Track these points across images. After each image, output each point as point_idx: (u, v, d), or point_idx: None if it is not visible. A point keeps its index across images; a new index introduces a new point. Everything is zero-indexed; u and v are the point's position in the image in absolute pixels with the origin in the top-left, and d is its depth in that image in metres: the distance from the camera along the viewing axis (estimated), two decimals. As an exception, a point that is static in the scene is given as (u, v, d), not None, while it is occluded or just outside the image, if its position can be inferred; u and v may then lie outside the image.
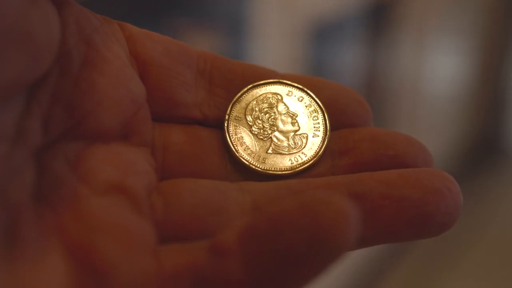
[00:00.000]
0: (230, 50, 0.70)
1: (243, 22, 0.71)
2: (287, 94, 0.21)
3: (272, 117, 0.21)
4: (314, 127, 0.21)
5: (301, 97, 0.21)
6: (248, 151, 0.20)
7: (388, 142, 0.19)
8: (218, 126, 0.20)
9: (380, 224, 0.17)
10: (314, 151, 0.20)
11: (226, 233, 0.15)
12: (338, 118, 0.20)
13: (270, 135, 0.20)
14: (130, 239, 0.16)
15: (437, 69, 1.29)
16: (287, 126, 0.21)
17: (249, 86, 0.21)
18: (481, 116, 1.56)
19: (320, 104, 0.21)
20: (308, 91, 0.21)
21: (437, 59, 1.28)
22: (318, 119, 0.21)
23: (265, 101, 0.21)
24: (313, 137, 0.20)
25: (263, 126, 0.21)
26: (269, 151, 0.20)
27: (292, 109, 0.21)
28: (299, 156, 0.20)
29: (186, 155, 0.19)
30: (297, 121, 0.21)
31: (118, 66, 0.18)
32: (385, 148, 0.19)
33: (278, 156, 0.20)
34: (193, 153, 0.19)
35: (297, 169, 0.20)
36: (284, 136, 0.21)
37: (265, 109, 0.21)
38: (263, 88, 0.21)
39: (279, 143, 0.20)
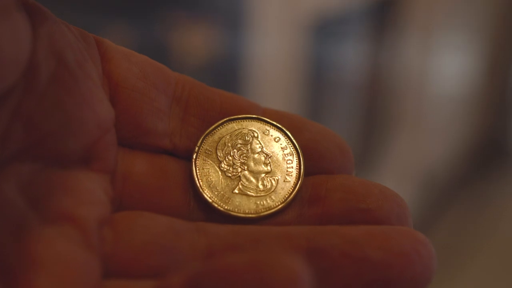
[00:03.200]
0: (227, 44, 0.70)
1: (240, 14, 0.70)
2: (263, 133, 0.21)
3: (244, 155, 0.20)
4: (287, 171, 0.20)
5: (278, 137, 0.21)
6: (213, 188, 0.20)
7: (361, 194, 0.18)
8: (188, 157, 0.20)
9: (336, 284, 0.16)
10: (283, 196, 0.20)
11: (173, 277, 0.15)
12: (316, 163, 0.20)
13: (239, 174, 0.20)
14: (71, 276, 0.15)
15: (443, 68, 1.29)
16: (258, 166, 0.20)
17: (225, 119, 0.21)
18: (488, 117, 1.56)
19: (297, 148, 0.20)
20: (287, 132, 0.21)
21: (443, 57, 1.28)
22: (292, 163, 0.20)
23: (240, 137, 0.21)
24: (284, 181, 0.20)
25: (233, 163, 0.20)
26: (235, 190, 0.20)
27: (266, 149, 0.21)
28: (266, 200, 0.20)
29: (146, 188, 0.19)
30: (269, 163, 0.20)
31: (88, 86, 0.17)
32: (357, 200, 0.18)
33: (244, 197, 0.20)
34: (155, 186, 0.19)
35: (261, 214, 0.19)
36: (254, 177, 0.20)
37: (238, 146, 0.20)
38: (240, 123, 0.21)
39: (247, 183, 0.20)
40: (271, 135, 0.21)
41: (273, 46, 0.74)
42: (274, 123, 0.21)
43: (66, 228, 0.16)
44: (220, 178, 0.20)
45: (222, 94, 0.20)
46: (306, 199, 0.19)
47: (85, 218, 0.16)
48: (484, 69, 1.48)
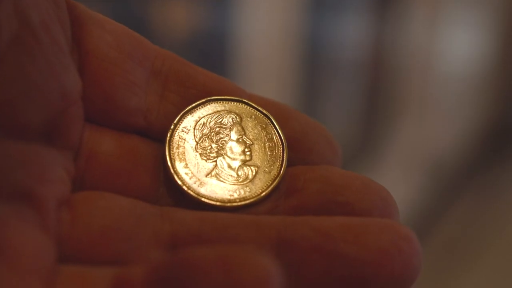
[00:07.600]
0: (212, 18, 0.69)
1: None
2: (247, 117, 0.21)
3: (223, 139, 0.20)
4: (269, 161, 0.20)
5: (263, 124, 0.21)
6: (186, 170, 0.20)
7: (340, 186, 0.18)
8: (162, 139, 0.20)
9: (305, 280, 0.16)
10: (260, 188, 0.19)
11: (134, 267, 0.16)
12: (302, 156, 0.20)
13: (216, 159, 0.20)
14: (23, 262, 0.15)
15: (452, 45, 1.28)
16: (237, 152, 0.20)
17: (207, 98, 0.20)
18: (501, 100, 1.56)
19: (283, 138, 0.20)
20: (273, 120, 0.21)
21: (452, 33, 1.27)
22: (275, 153, 0.20)
23: (221, 120, 0.21)
24: (264, 172, 0.20)
25: (210, 147, 0.20)
26: (210, 176, 0.20)
27: (248, 135, 0.21)
28: (242, 189, 0.20)
29: (112, 170, 0.19)
30: (250, 150, 0.20)
31: (54, 52, 0.17)
32: (335, 192, 0.18)
33: (218, 184, 0.20)
34: (121, 168, 0.19)
35: (234, 204, 0.19)
36: (231, 164, 0.20)
37: (218, 129, 0.20)
38: (223, 104, 0.21)
39: (223, 169, 0.20)
40: (256, 121, 0.21)
41: (263, 20, 0.74)
42: (260, 108, 0.21)
43: (22, 207, 0.16)
44: (195, 160, 0.20)
45: (205, 73, 0.20)
46: (283, 191, 0.19)
47: (43, 197, 0.16)
48: (497, 47, 1.48)
